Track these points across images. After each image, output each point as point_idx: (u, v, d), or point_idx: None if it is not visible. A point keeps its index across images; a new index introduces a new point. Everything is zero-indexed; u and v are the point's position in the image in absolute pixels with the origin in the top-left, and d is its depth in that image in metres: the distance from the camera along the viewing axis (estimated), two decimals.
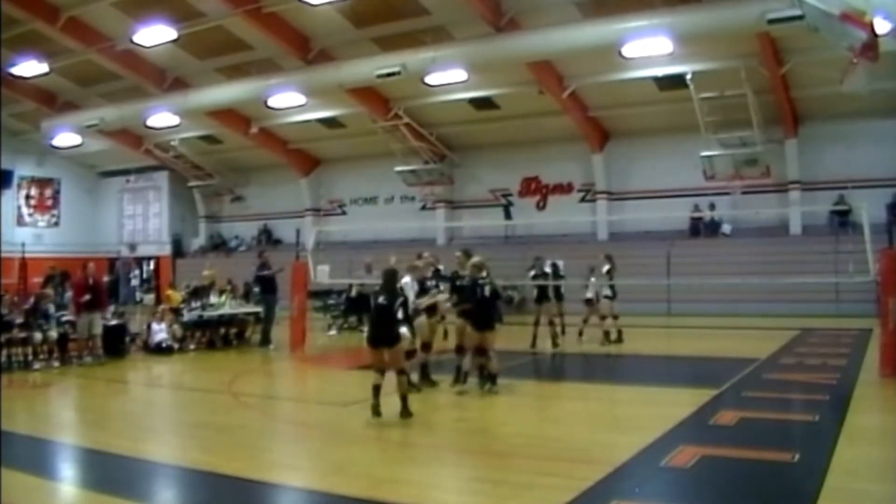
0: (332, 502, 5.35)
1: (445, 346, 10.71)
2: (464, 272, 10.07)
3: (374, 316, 8.18)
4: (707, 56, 18.79)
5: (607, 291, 14.10)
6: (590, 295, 14.29)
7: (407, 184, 26.08)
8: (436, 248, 22.49)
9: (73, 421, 8.78)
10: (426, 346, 9.89)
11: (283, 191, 29.79)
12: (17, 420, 7.97)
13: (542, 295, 13.66)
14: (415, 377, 9.31)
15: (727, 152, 20.60)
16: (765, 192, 21.36)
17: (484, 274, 9.64)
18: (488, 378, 9.44)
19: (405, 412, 7.83)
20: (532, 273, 13.96)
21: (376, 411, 7.73)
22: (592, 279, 14.27)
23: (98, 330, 12.81)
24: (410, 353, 9.14)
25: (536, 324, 13.74)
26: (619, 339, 14.17)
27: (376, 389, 7.84)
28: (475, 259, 9.91)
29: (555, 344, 13.69)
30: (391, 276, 8.48)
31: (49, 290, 14.56)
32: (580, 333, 14.48)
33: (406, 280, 9.51)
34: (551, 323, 13.69)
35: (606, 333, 14.14)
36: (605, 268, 14.13)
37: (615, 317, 14.22)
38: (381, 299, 8.11)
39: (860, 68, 13.45)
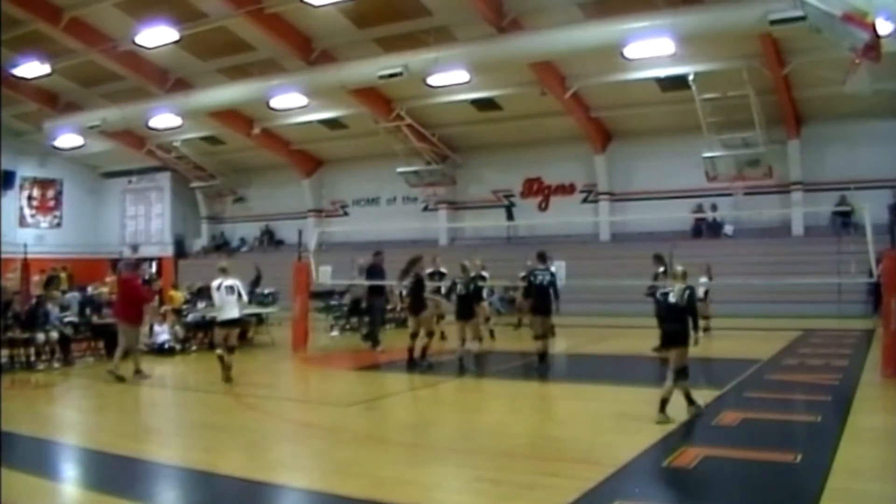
0: (333, 502, 5.35)
1: (443, 347, 10.70)
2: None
3: None
4: (709, 57, 18.78)
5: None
6: None
7: (409, 185, 26.10)
8: (438, 249, 22.50)
9: (74, 421, 8.78)
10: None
11: (286, 192, 29.81)
12: (18, 420, 7.96)
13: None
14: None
15: (729, 153, 20.60)
16: (767, 192, 21.36)
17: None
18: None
19: None
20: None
21: None
22: None
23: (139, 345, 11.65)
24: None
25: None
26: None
27: None
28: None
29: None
30: None
31: (56, 292, 14.57)
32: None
33: (215, 283, 9.63)
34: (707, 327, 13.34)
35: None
36: None
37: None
38: None
39: (862, 69, 13.46)
